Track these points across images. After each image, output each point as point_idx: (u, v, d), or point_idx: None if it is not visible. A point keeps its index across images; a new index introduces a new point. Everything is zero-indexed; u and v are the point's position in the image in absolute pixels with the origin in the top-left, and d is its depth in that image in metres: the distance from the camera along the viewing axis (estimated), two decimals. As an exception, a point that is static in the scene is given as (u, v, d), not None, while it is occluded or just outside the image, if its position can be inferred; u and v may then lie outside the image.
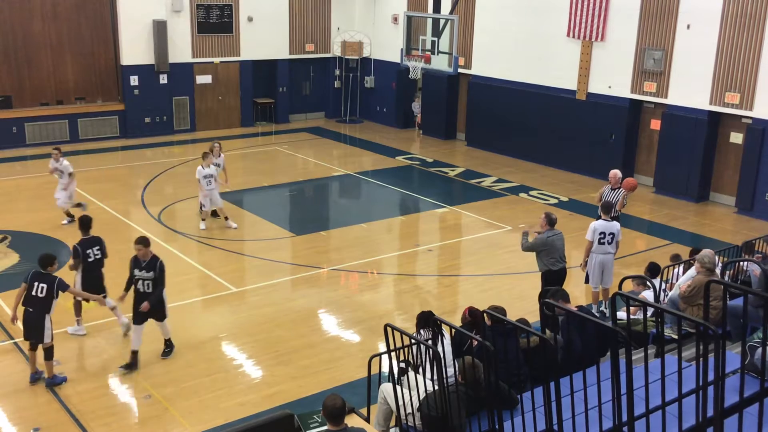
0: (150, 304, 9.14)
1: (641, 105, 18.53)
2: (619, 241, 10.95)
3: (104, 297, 9.96)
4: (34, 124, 20.78)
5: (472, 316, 7.47)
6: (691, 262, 9.45)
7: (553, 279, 10.00)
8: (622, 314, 8.91)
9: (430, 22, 18.33)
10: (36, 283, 8.67)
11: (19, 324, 8.93)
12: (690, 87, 17.05)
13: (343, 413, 5.19)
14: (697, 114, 17.01)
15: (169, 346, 9.72)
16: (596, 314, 10.77)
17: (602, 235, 10.66)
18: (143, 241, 9.17)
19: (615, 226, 10.81)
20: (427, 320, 7.23)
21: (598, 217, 11.19)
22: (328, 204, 18.19)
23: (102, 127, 21.81)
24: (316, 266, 12.88)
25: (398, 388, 6.12)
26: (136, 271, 9.15)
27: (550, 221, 10.24)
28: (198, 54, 22.83)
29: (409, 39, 18.57)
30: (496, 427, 5.44)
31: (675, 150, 17.52)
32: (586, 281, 11.22)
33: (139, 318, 9.24)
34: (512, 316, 7.45)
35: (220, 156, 14.81)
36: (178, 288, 11.93)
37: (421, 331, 7.33)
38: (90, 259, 9.92)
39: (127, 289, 9.37)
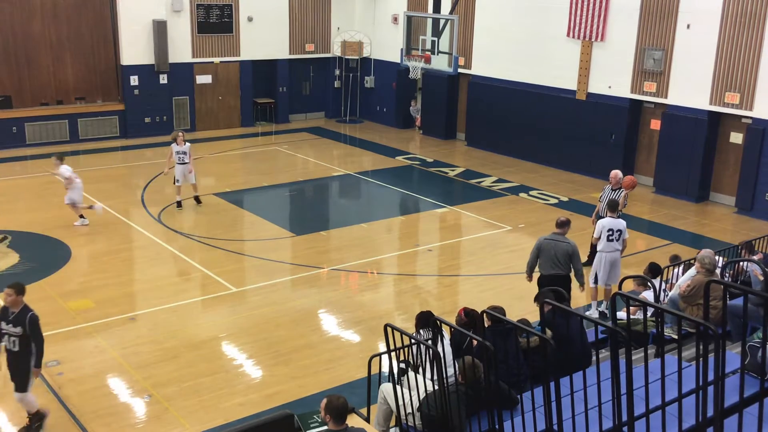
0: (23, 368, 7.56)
1: (641, 105, 18.52)
2: (626, 239, 10.97)
3: None
4: (34, 124, 20.77)
5: (468, 316, 7.43)
6: (691, 262, 9.45)
7: (544, 283, 9.80)
8: (622, 314, 8.92)
9: (430, 22, 18.34)
10: None
11: None
12: (690, 87, 17.04)
13: (347, 412, 5.26)
14: (697, 114, 17.00)
15: (37, 420, 7.87)
16: (595, 314, 10.78)
17: (610, 232, 10.69)
18: (14, 287, 7.49)
19: (621, 223, 10.85)
20: (427, 320, 7.22)
21: (600, 217, 11.19)
22: (328, 204, 18.17)
23: (102, 127, 21.80)
24: (316, 266, 12.88)
25: (398, 388, 6.12)
26: (3, 324, 7.52)
27: (556, 224, 10.14)
28: (198, 54, 22.82)
29: (409, 39, 18.57)
30: (496, 427, 5.44)
31: (675, 150, 17.51)
32: (594, 282, 11.07)
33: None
34: (512, 316, 7.46)
35: (185, 144, 15.36)
36: (178, 288, 11.96)
37: (421, 331, 7.33)
38: None
39: None
